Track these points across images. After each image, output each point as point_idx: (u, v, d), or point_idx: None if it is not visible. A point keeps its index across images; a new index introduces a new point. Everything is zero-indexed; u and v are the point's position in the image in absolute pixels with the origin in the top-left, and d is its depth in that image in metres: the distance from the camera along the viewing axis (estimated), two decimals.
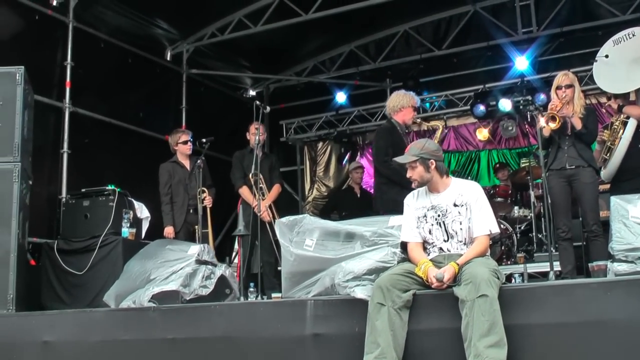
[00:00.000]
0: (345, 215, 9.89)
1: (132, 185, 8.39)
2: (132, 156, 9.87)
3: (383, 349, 4.61)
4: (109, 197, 7.72)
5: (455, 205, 5.04)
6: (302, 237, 5.62)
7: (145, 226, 8.23)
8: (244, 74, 12.91)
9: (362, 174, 11.77)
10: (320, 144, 13.90)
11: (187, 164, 8.45)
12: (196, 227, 7.96)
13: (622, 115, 7.32)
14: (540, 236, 9.79)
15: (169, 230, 8.14)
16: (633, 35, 7.27)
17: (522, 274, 7.43)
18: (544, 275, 7.51)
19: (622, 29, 7.50)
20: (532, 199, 9.98)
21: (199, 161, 8.00)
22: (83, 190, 7.98)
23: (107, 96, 9.67)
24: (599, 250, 6.37)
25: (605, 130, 7.35)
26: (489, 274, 4.52)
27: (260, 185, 7.81)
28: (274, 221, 7.56)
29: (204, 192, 8.07)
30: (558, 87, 6.78)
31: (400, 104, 7.41)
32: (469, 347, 4.39)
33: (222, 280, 6.26)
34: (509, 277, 7.95)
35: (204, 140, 8.12)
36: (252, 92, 13.31)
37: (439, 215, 5.06)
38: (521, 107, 11.37)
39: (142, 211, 8.20)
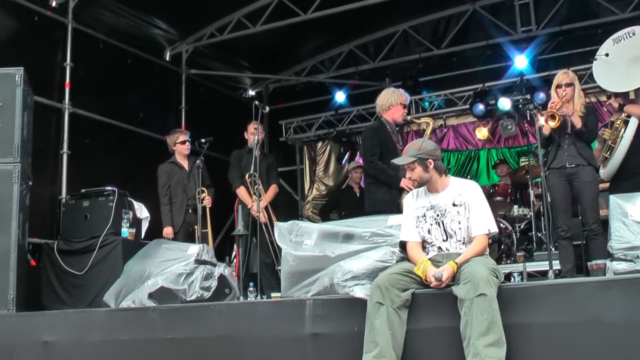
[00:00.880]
0: (344, 214, 9.90)
1: (131, 185, 8.39)
2: (131, 156, 9.90)
3: (382, 348, 4.61)
4: (108, 198, 7.72)
5: (454, 205, 5.05)
6: (300, 239, 5.62)
7: (144, 226, 8.21)
8: (243, 74, 12.93)
9: (362, 174, 11.76)
10: (319, 144, 13.89)
11: (185, 164, 8.44)
12: (195, 227, 7.96)
13: (623, 114, 7.32)
14: (539, 235, 9.78)
15: (168, 231, 8.14)
16: (633, 34, 7.26)
17: (521, 273, 7.44)
18: (544, 274, 7.50)
19: (621, 27, 7.49)
20: (532, 197, 9.98)
21: (197, 161, 8.00)
22: (83, 190, 7.98)
23: (106, 97, 9.68)
24: (598, 249, 6.36)
25: (607, 129, 7.34)
26: (487, 273, 4.52)
27: (257, 186, 7.79)
28: (271, 222, 7.57)
29: (203, 192, 8.07)
30: (558, 86, 6.78)
31: (389, 102, 7.29)
32: (467, 346, 4.39)
33: (222, 280, 6.25)
34: (507, 276, 7.97)
35: (203, 140, 8.12)
36: (251, 92, 13.25)
37: (437, 215, 5.06)
38: (520, 106, 11.36)
39: (142, 211, 8.19)
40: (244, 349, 5.37)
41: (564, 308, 4.52)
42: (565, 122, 6.70)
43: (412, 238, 5.12)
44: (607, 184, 7.61)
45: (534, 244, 9.75)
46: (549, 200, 6.83)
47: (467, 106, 11.96)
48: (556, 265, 6.57)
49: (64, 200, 8.38)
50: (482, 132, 12.31)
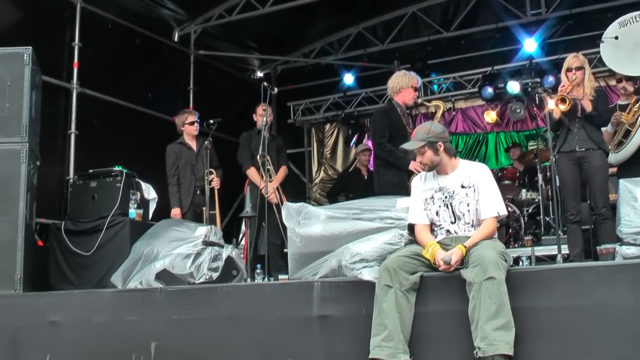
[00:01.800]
0: (352, 197, 9.87)
1: (139, 166, 8.41)
2: (139, 137, 9.89)
3: (390, 331, 4.62)
4: (116, 178, 7.73)
5: (462, 187, 5.03)
6: (308, 221, 5.61)
7: (152, 207, 8.21)
8: (252, 55, 12.88)
9: (370, 156, 11.72)
10: (327, 126, 13.89)
11: (193, 145, 8.41)
12: (203, 208, 7.95)
13: None
14: (548, 219, 9.76)
15: (175, 212, 8.11)
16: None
17: (529, 257, 7.42)
18: (552, 258, 7.49)
19: (631, 11, 7.45)
20: (540, 181, 9.94)
21: (206, 142, 7.97)
22: (90, 171, 7.99)
23: (115, 77, 9.64)
24: (607, 233, 6.34)
25: (623, 112, 7.27)
26: (496, 257, 4.51)
27: (268, 167, 7.78)
28: (282, 203, 7.56)
29: (211, 173, 8.04)
30: (568, 69, 6.74)
31: (400, 85, 7.26)
32: (475, 330, 4.39)
33: (229, 262, 6.25)
34: (516, 260, 7.95)
35: (211, 121, 8.09)
36: (259, 74, 13.29)
37: (446, 197, 5.05)
38: (529, 89, 11.35)
39: (150, 192, 8.19)
40: (251, 331, 5.38)
41: (573, 292, 4.52)
42: (576, 105, 6.66)
43: (420, 220, 5.11)
44: (615, 169, 7.57)
45: (542, 228, 9.73)
46: (558, 184, 6.80)
47: (476, 89, 11.95)
48: (564, 249, 6.55)
49: (71, 180, 8.36)
50: (490, 116, 12.26)
